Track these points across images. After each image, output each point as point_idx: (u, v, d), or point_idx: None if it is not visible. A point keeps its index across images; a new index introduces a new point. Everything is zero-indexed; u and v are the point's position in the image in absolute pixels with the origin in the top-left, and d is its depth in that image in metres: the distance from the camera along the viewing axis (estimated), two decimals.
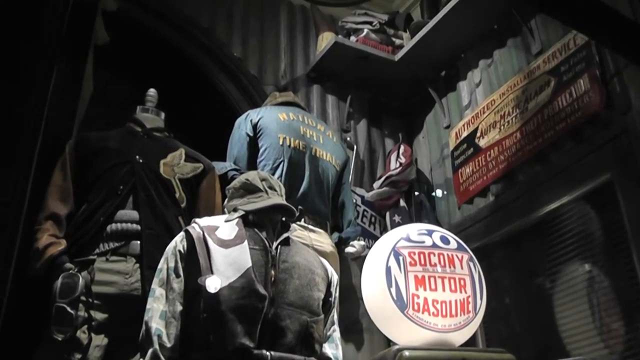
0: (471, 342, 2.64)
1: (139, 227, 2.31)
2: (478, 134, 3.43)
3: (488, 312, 2.56)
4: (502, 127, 3.27)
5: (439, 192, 3.67)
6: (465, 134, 3.54)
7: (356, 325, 3.12)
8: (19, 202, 1.01)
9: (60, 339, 2.09)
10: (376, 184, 3.54)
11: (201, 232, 1.97)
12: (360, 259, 2.90)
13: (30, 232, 2.21)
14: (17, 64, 1.05)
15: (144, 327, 1.85)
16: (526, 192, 3.03)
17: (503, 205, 3.15)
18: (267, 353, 1.75)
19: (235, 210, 2.12)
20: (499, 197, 3.20)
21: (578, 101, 2.86)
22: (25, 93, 1.04)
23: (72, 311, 2.10)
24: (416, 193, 3.63)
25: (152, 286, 1.95)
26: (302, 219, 2.70)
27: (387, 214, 3.48)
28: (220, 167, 2.75)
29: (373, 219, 3.48)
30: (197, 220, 2.08)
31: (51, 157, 2.36)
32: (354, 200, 3.33)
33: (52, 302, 2.12)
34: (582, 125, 2.83)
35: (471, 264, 2.50)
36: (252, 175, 2.21)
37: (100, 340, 2.19)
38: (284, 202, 2.12)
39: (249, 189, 2.16)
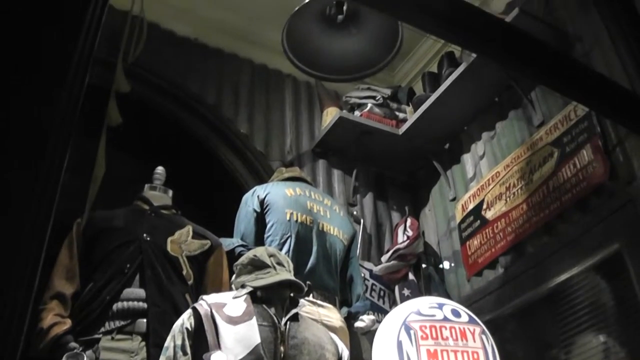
0: None
1: (145, 305, 2.29)
2: (484, 206, 3.44)
3: None
4: (508, 199, 3.28)
5: (447, 265, 3.64)
6: (471, 206, 3.55)
7: None
8: (28, 289, 1.00)
9: None
10: (384, 258, 3.53)
11: (209, 309, 1.96)
12: (370, 333, 2.84)
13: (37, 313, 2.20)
14: (30, 143, 1.08)
15: None
16: (535, 264, 3.00)
17: (513, 277, 3.11)
18: None
19: (243, 286, 2.11)
20: (509, 269, 3.17)
21: (582, 172, 2.88)
22: (38, 173, 1.06)
23: None
24: (424, 266, 3.60)
25: None
26: (311, 294, 2.67)
27: (396, 288, 3.45)
28: (227, 243, 2.75)
29: (382, 293, 3.45)
30: (205, 297, 2.07)
31: (60, 236, 2.37)
32: (363, 274, 3.30)
33: None
34: (588, 196, 2.83)
35: (484, 337, 2.48)
36: (260, 251, 2.21)
37: None
38: (293, 277, 2.11)
39: (257, 265, 2.16)
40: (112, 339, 2.24)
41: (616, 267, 2.65)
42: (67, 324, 2.23)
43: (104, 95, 2.24)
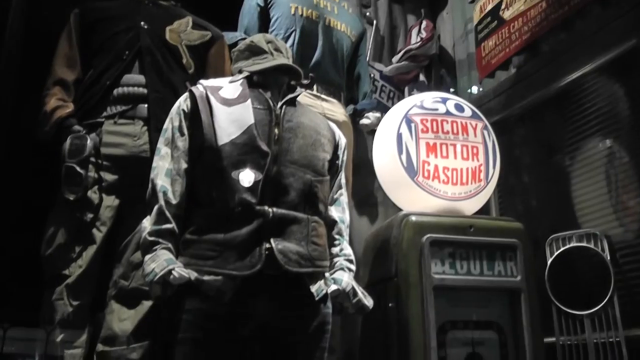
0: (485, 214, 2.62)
1: (145, 91, 2.30)
2: (503, 6, 3.27)
3: (505, 186, 2.51)
4: None
5: (461, 68, 3.56)
6: (489, 7, 3.38)
7: (370, 198, 3.13)
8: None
9: (72, 198, 2.14)
10: (395, 59, 3.45)
11: (204, 91, 1.94)
12: (375, 131, 2.85)
13: None
14: None
15: (150, 185, 1.87)
16: (549, 62, 2.91)
17: (525, 76, 3.04)
18: (269, 209, 1.75)
19: (240, 72, 2.08)
20: (521, 69, 3.09)
21: None
22: None
23: (81, 171, 2.14)
24: (437, 69, 3.53)
25: (158, 145, 1.95)
26: (315, 88, 2.65)
27: (406, 89, 3.40)
28: (230, 36, 2.70)
29: (391, 94, 3.41)
30: (202, 81, 2.05)
31: None
32: (372, 75, 3.25)
33: (62, 163, 2.15)
34: None
35: (485, 132, 2.44)
36: (257, 38, 2.14)
37: (111, 201, 2.24)
38: (290, 63, 2.06)
39: (254, 51, 2.10)
40: (115, 123, 2.27)
41: (630, 64, 2.55)
42: (70, 107, 2.27)
43: None
